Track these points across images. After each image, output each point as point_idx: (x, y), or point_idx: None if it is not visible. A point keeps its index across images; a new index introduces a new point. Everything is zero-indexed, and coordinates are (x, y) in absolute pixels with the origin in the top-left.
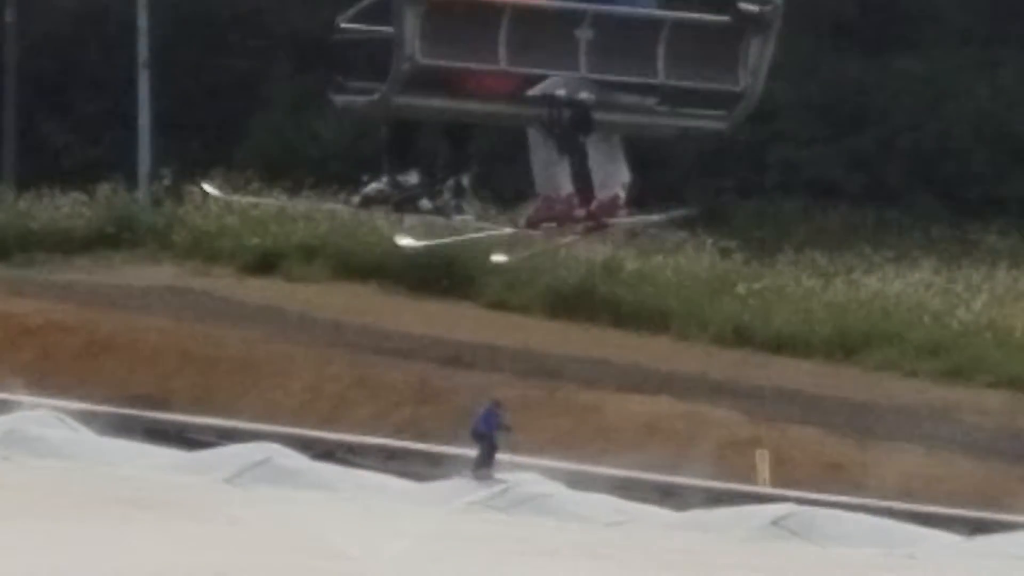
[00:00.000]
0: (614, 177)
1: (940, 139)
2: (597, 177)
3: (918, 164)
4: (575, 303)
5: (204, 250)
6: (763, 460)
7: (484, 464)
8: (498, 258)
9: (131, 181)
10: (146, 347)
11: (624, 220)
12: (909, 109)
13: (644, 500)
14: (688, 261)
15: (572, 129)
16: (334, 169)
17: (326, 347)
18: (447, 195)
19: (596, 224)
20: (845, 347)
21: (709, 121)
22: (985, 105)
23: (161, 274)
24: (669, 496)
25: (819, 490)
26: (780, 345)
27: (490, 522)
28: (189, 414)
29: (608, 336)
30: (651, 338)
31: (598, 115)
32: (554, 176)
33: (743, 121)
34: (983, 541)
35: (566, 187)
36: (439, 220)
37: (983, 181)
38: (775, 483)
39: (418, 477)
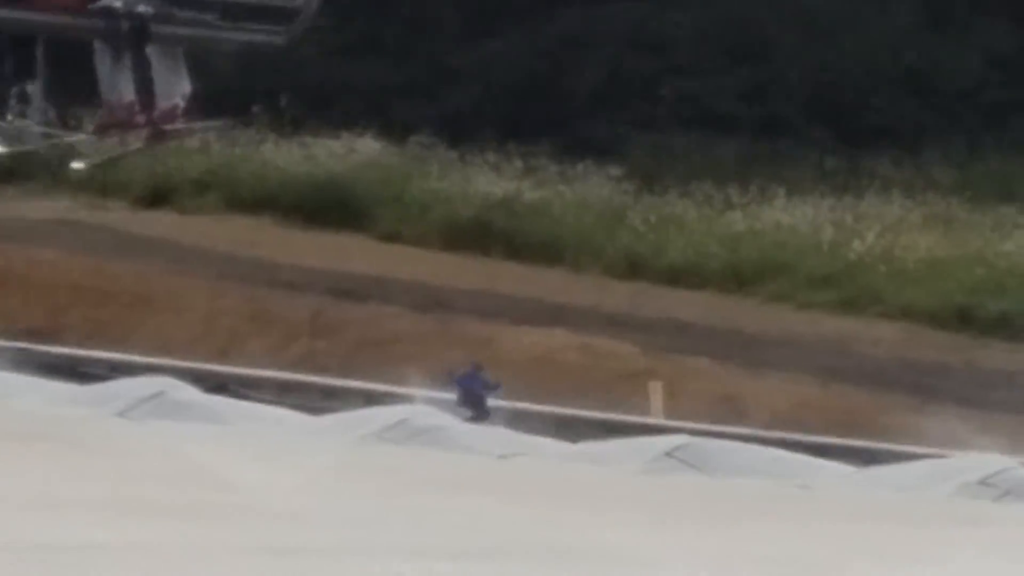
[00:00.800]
0: (175, 88)
1: (834, 71)
2: (160, 87)
3: (812, 96)
4: (470, 236)
5: (97, 183)
6: (656, 392)
7: (476, 418)
8: (76, 165)
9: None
10: (39, 280)
11: (181, 127)
12: (803, 41)
13: (538, 432)
14: (583, 194)
15: (131, 40)
16: None
17: (220, 280)
18: (14, 103)
19: (156, 131)
20: (739, 279)
21: (267, 35)
22: (878, 36)
23: (54, 207)
24: (563, 428)
25: (712, 421)
26: (674, 277)
27: (385, 455)
28: (82, 348)
29: (503, 269)
30: (545, 270)
31: (158, 28)
32: (117, 84)
33: (300, 35)
34: (876, 472)
35: (128, 95)
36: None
37: (876, 112)
38: (668, 415)
39: (313, 410)
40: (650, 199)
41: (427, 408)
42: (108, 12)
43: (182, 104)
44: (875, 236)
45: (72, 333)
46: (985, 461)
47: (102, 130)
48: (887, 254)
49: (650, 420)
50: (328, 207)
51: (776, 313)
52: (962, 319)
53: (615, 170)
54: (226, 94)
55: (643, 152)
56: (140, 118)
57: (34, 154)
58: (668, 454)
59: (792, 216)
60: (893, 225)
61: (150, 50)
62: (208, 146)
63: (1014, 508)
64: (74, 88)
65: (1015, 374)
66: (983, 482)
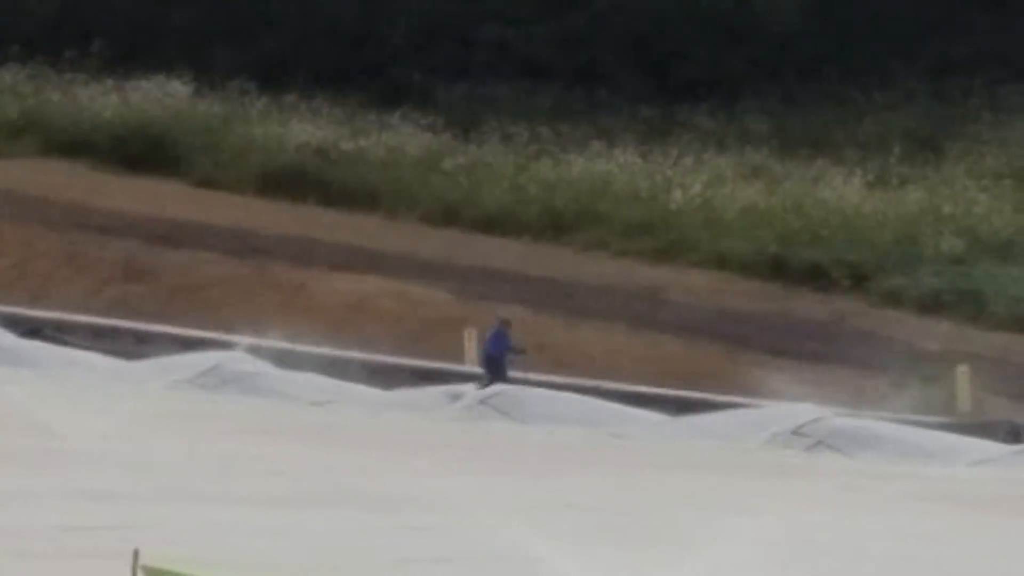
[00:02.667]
0: None
1: (650, 20)
2: None
3: (628, 45)
4: (286, 182)
5: None
6: (471, 339)
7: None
8: None
9: None
10: None
11: None
12: None
13: (352, 379)
14: (399, 141)
15: None
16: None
17: (34, 224)
18: None
19: None
20: (554, 227)
21: None
22: None
23: None
24: (377, 375)
25: (527, 369)
26: (489, 224)
27: (198, 400)
28: None
29: (318, 215)
30: (361, 217)
31: None
32: None
33: None
34: (690, 420)
35: None
36: None
37: (692, 62)
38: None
39: (126, 355)
40: (466, 147)
41: (240, 354)
42: None
43: None
44: (691, 185)
45: None
46: (797, 411)
47: None
48: (703, 203)
49: (465, 367)
50: (144, 152)
51: (592, 261)
52: (776, 268)
53: (431, 118)
54: (41, 36)
55: (458, 100)
56: None
57: None
58: (482, 402)
59: (608, 165)
60: (709, 175)
61: None
62: (19, 88)
63: (825, 457)
64: None
65: (827, 324)
66: (796, 432)
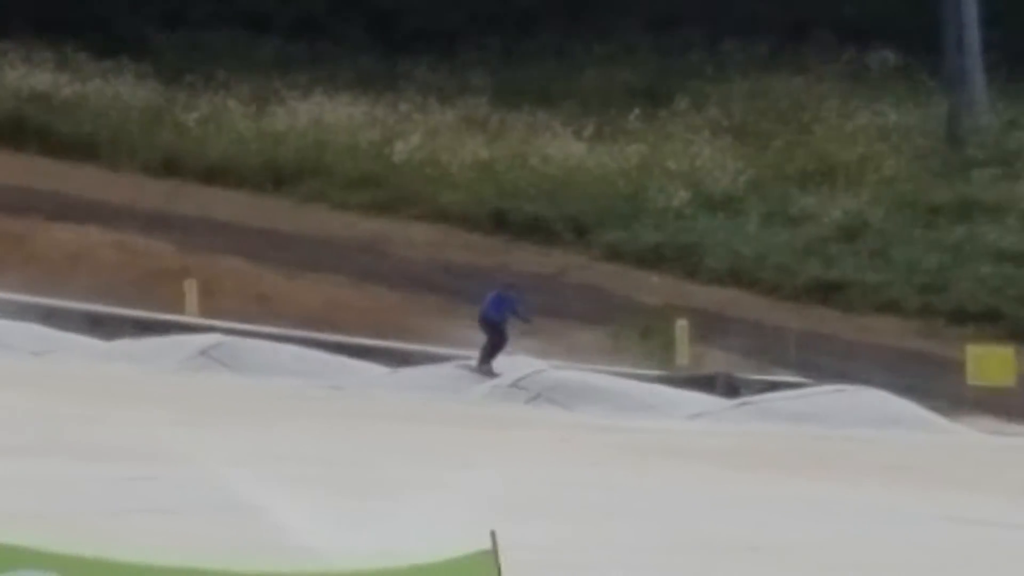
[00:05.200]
0: None
1: None
2: None
3: None
4: (3, 130)
5: None
6: (192, 290)
7: (487, 359)
8: None
9: None
10: None
11: None
12: None
13: (72, 329)
14: (120, 91)
15: None
16: None
17: None
18: None
19: None
20: (276, 178)
21: None
22: None
23: None
24: (97, 325)
25: (247, 321)
26: (212, 176)
27: None
28: None
29: (37, 164)
30: (81, 167)
31: None
32: None
33: None
34: (409, 373)
35: None
36: None
37: (413, 15)
38: (204, 313)
39: None
40: (187, 97)
41: None
42: None
43: None
44: (412, 138)
45: None
46: (515, 364)
47: None
48: (425, 157)
49: (185, 319)
50: None
51: (313, 213)
52: (498, 222)
53: (150, 68)
54: None
55: (179, 51)
56: None
57: None
58: (203, 353)
59: (330, 117)
60: (431, 128)
61: None
62: None
63: (544, 410)
64: None
65: (548, 277)
66: (514, 384)
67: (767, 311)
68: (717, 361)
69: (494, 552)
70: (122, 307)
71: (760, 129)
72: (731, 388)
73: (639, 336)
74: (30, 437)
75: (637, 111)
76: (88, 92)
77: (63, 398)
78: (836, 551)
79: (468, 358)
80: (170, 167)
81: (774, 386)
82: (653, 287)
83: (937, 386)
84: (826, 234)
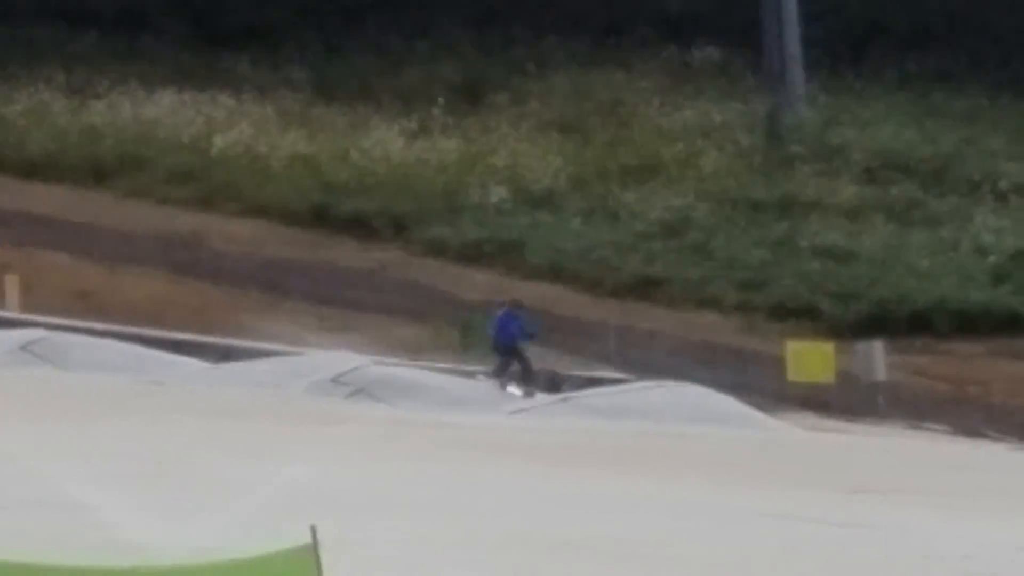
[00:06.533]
0: None
1: None
2: None
3: None
4: None
5: None
6: (12, 285)
7: (500, 375)
8: None
9: None
10: None
11: None
12: None
13: None
14: None
15: None
16: None
17: None
18: None
19: None
20: (97, 172)
21: None
22: None
23: None
24: None
25: (69, 316)
26: (32, 170)
27: None
28: None
29: None
30: None
31: None
32: None
33: None
34: (230, 368)
35: None
36: None
37: (236, 10)
38: (25, 309)
39: None
40: (7, 91)
41: None
42: None
43: None
44: (233, 133)
45: None
46: (337, 359)
47: None
48: (245, 151)
49: (5, 314)
50: None
51: (134, 208)
52: (319, 217)
53: None
54: None
55: None
56: None
57: None
58: (23, 348)
59: (151, 111)
60: (252, 122)
61: None
62: None
63: (365, 405)
64: None
65: (369, 273)
66: (335, 380)
67: (588, 307)
68: (541, 358)
69: (314, 547)
70: None
71: (582, 125)
72: (553, 384)
73: (460, 332)
74: None
75: (458, 107)
76: None
77: None
78: (657, 547)
79: (290, 353)
80: None
81: (595, 382)
82: (473, 282)
83: (758, 382)
84: (648, 230)
